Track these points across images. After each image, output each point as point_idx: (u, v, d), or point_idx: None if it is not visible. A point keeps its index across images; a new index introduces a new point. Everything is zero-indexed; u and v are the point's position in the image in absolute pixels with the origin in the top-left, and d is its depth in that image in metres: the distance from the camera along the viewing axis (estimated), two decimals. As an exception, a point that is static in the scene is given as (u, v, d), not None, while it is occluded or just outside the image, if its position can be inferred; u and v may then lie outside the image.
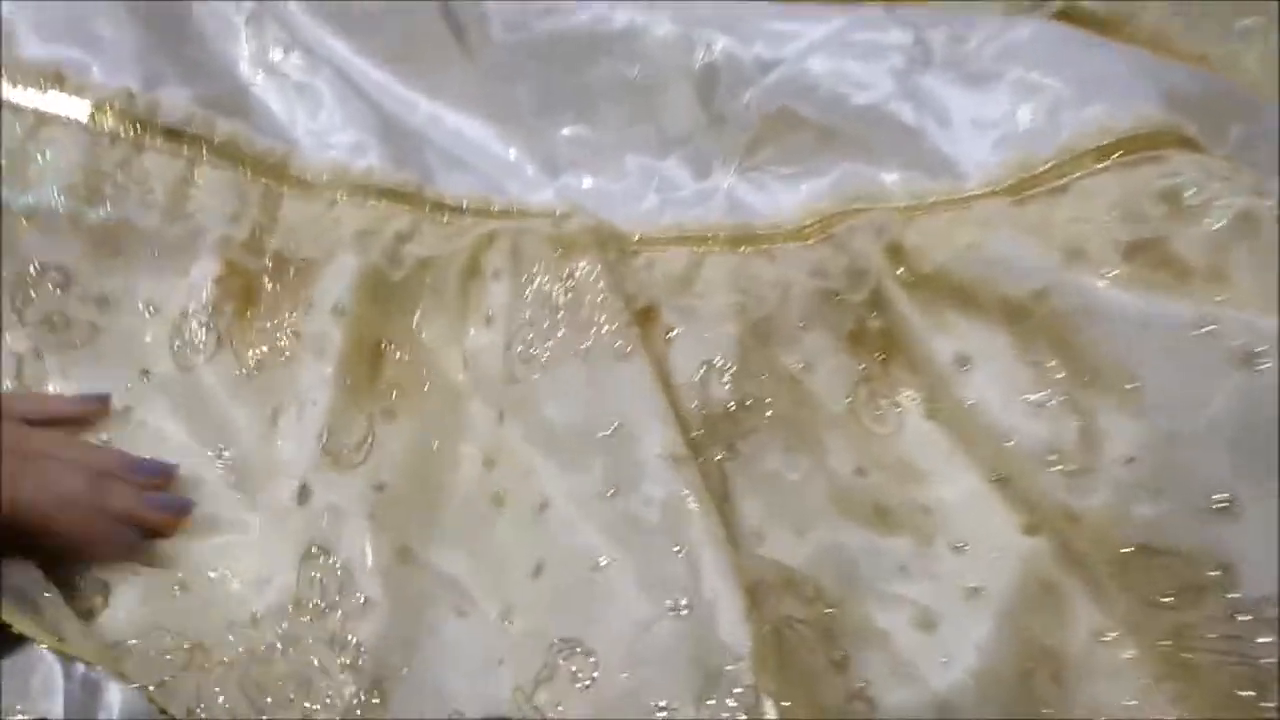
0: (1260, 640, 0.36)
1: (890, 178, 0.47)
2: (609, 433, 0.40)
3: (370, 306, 0.45)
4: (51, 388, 0.45)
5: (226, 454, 0.44)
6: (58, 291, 0.46)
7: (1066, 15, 0.53)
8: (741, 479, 0.41)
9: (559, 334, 0.43)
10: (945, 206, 0.44)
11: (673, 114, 0.49)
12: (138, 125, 0.47)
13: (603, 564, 0.38)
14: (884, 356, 0.45)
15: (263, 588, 0.40)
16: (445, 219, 0.47)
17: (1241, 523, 0.36)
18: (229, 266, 0.46)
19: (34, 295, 0.46)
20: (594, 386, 0.42)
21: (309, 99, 0.51)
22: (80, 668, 0.40)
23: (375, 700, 0.37)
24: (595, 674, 0.36)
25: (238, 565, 0.41)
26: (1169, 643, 0.37)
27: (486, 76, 0.51)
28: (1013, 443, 0.40)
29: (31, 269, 0.46)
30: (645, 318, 0.44)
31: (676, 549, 0.37)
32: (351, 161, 0.49)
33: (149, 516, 0.41)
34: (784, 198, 0.48)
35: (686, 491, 0.38)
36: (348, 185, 0.48)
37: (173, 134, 0.48)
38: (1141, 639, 0.38)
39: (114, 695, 0.40)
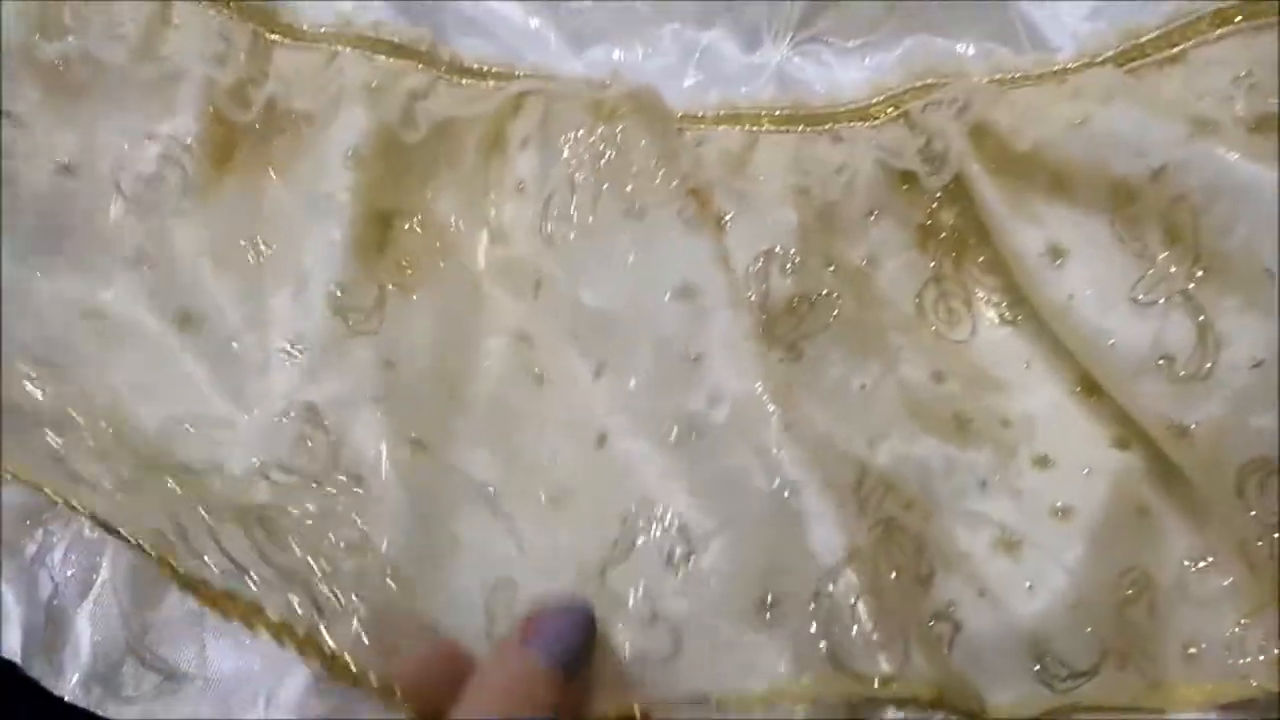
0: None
1: (968, 51, 0.42)
2: (665, 313, 0.35)
3: (382, 168, 0.39)
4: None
5: (206, 337, 0.38)
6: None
7: None
8: (805, 384, 0.36)
9: (602, 201, 0.37)
10: (1035, 81, 0.39)
11: None
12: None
13: (652, 474, 0.34)
14: (956, 254, 0.40)
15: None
16: (463, 81, 0.42)
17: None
18: (214, 115, 0.40)
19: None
20: (646, 261, 0.36)
21: None
22: (44, 594, 0.35)
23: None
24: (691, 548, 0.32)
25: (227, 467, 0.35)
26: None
27: None
28: (1112, 344, 0.35)
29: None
30: (695, 201, 0.38)
31: (749, 450, 0.32)
32: (355, 13, 0.43)
33: None
34: (844, 74, 0.43)
35: (759, 386, 0.33)
36: (351, 38, 0.42)
37: None
38: (1248, 565, 0.34)
39: (83, 625, 0.35)
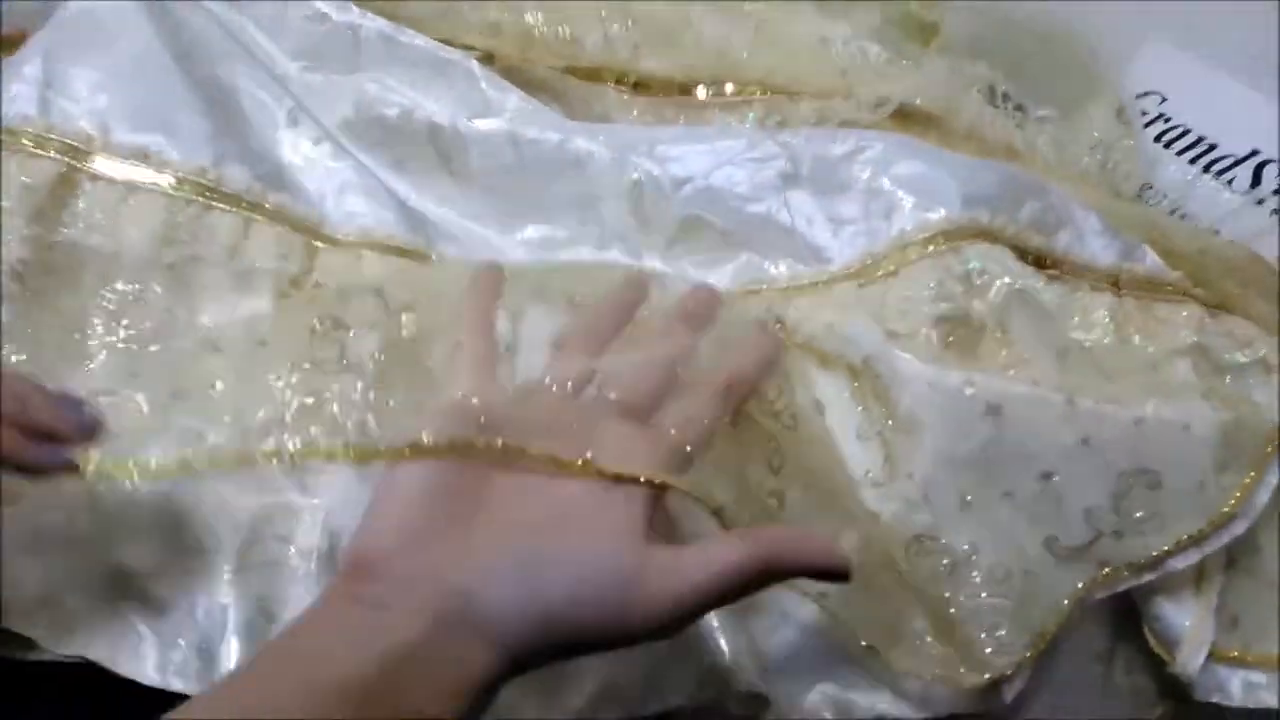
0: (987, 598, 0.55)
1: (775, 266, 0.63)
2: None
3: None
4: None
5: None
6: (130, 298, 0.59)
7: (903, 111, 0.71)
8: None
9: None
10: (813, 289, 0.61)
11: (611, 219, 0.65)
12: (207, 192, 0.61)
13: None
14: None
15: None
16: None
17: (978, 514, 0.55)
18: (280, 294, 0.60)
19: (108, 305, 0.58)
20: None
21: (337, 181, 0.65)
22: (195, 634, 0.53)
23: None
24: None
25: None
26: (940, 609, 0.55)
27: (472, 191, 0.67)
28: (848, 462, 0.57)
29: (110, 289, 0.59)
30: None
31: None
32: (375, 227, 0.63)
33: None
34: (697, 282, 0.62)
35: None
36: (371, 244, 0.62)
37: (234, 199, 0.61)
38: (921, 607, 0.56)
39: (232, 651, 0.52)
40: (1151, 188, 0.80)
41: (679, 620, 0.39)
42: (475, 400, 0.43)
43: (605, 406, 0.44)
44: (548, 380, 0.45)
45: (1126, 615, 0.61)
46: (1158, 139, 0.83)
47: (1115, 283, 0.64)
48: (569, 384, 0.45)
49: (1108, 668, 0.62)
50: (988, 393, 0.54)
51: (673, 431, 0.44)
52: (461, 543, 0.38)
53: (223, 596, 0.54)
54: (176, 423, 0.54)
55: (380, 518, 0.39)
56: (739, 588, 0.40)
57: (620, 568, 0.38)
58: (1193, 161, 0.82)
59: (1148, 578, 0.57)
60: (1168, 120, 0.84)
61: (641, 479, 0.41)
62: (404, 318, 0.56)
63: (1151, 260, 0.66)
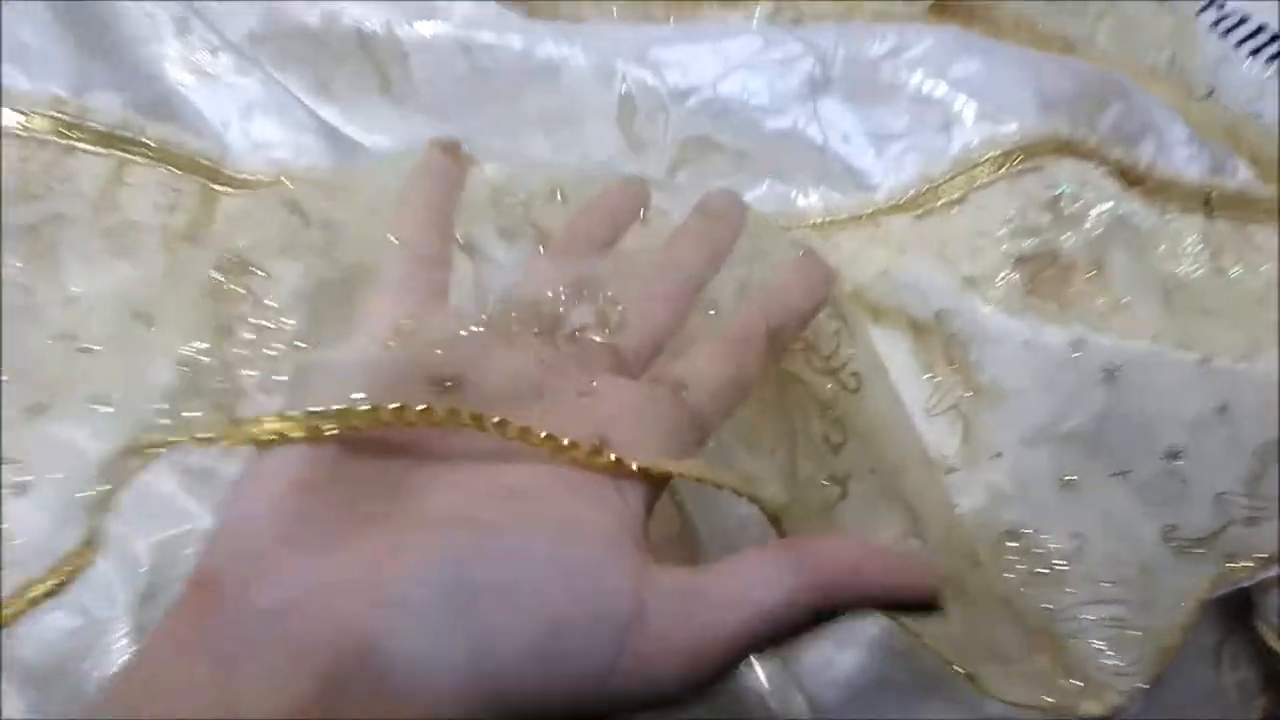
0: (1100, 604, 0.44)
1: (804, 195, 0.51)
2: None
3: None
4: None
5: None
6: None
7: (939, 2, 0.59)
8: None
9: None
10: (856, 223, 0.49)
11: (595, 142, 0.52)
12: (65, 129, 0.48)
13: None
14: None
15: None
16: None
17: (1083, 498, 0.44)
18: (168, 252, 0.47)
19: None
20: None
21: (242, 101, 0.51)
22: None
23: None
24: None
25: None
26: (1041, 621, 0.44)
27: (415, 114, 0.54)
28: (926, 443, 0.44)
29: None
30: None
31: None
32: (293, 160, 0.50)
33: None
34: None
35: None
36: (290, 179, 0.49)
37: (103, 137, 0.48)
38: (1016, 618, 0.45)
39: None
40: (1213, 91, 0.68)
41: (696, 682, 0.26)
42: (420, 335, 0.29)
43: (591, 349, 0.31)
44: (509, 302, 0.31)
45: (1238, 606, 0.51)
46: (1212, 27, 0.72)
47: (1206, 201, 0.53)
48: (540, 310, 0.31)
49: (1216, 668, 0.51)
50: (1100, 353, 0.43)
51: (684, 391, 0.31)
52: (363, 555, 0.24)
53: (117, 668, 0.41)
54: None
55: (239, 513, 0.26)
56: (783, 631, 0.27)
57: (612, 601, 0.25)
58: (1254, 54, 0.70)
59: (1276, 570, 0.46)
60: (1221, 6, 0.72)
61: (635, 466, 0.27)
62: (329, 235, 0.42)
63: (1243, 174, 0.56)
